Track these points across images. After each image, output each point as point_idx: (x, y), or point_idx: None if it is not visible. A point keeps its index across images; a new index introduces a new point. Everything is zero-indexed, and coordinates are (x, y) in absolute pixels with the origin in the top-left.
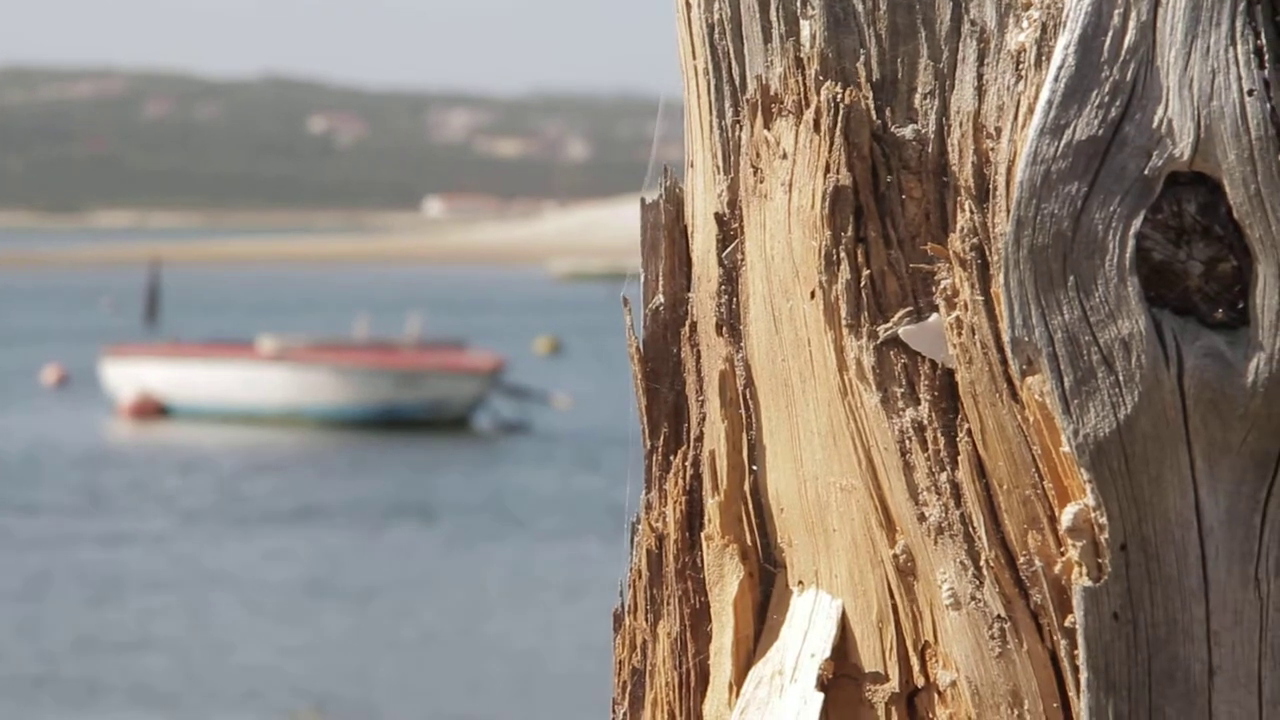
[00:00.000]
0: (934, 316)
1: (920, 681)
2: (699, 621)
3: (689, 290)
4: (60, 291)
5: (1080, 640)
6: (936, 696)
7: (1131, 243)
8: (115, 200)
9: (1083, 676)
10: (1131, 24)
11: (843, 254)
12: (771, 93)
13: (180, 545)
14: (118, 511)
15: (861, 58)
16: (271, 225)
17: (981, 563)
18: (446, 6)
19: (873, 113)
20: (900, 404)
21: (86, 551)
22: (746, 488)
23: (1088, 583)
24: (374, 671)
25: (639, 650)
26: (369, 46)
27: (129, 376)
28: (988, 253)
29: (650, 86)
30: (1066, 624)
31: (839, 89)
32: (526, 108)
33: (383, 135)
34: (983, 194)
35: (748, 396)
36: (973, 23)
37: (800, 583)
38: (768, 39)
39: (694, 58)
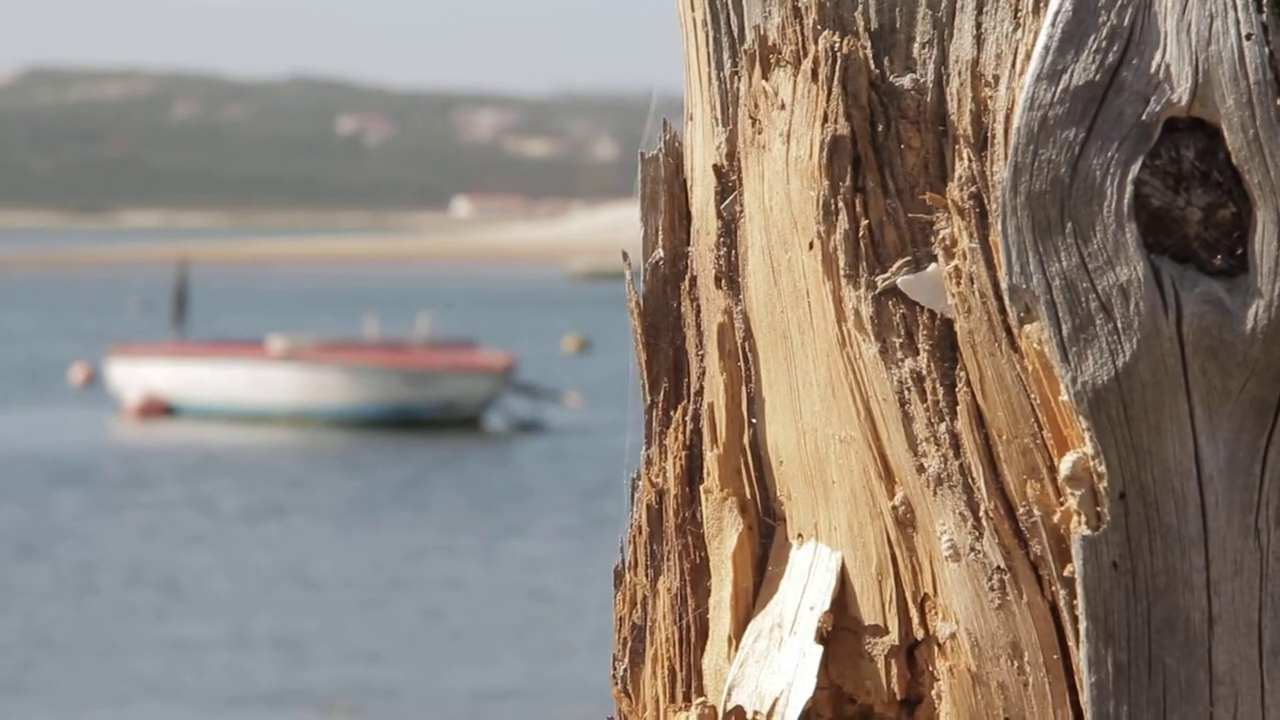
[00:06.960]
0: (932, 266)
1: (920, 634)
2: (699, 576)
3: (688, 244)
4: (90, 291)
5: (1079, 590)
6: (936, 649)
7: (1129, 189)
8: (143, 201)
9: (1082, 626)
10: None
11: (841, 204)
12: (769, 43)
13: (189, 542)
14: (116, 507)
15: (860, 7)
16: (299, 226)
17: (981, 513)
18: (474, 6)
19: (870, 62)
20: (899, 354)
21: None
22: (745, 440)
23: (1087, 532)
24: (404, 672)
25: (639, 606)
26: (396, 47)
27: (135, 376)
28: (986, 201)
29: (681, 86)
30: (1066, 574)
31: (837, 38)
32: (554, 107)
33: (410, 135)
34: (981, 142)
35: (746, 349)
36: None
37: (799, 535)
38: None
39: (692, 10)
